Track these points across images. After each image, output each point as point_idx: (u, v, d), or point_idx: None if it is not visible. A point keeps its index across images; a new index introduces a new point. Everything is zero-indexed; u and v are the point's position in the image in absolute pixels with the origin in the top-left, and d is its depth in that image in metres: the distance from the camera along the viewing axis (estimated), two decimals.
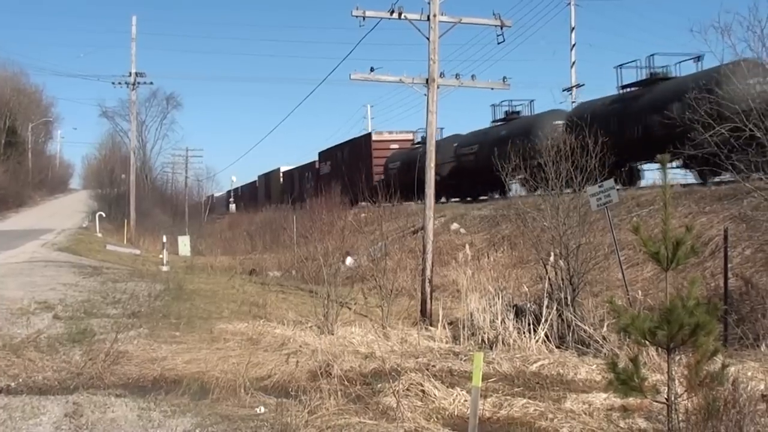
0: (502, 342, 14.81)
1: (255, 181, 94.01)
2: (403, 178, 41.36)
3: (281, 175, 78.25)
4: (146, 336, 15.13)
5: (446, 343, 15.78)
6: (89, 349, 13.50)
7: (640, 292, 15.45)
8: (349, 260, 36.42)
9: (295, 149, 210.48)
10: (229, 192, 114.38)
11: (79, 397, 10.21)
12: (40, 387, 11.56)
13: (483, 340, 15.25)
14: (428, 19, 20.00)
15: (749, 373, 10.63)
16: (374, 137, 53.73)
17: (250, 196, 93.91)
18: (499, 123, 39.25)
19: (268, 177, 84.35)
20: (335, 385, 10.82)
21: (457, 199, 41.65)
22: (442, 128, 43.36)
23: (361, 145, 55.28)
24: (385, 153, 51.00)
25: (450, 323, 17.00)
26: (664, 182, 6.88)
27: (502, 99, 39.36)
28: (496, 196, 36.96)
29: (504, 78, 22.00)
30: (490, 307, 15.88)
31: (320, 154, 64.88)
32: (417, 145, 44.96)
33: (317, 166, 65.17)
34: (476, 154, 37.62)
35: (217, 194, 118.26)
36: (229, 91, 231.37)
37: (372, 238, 29.19)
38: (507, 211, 25.80)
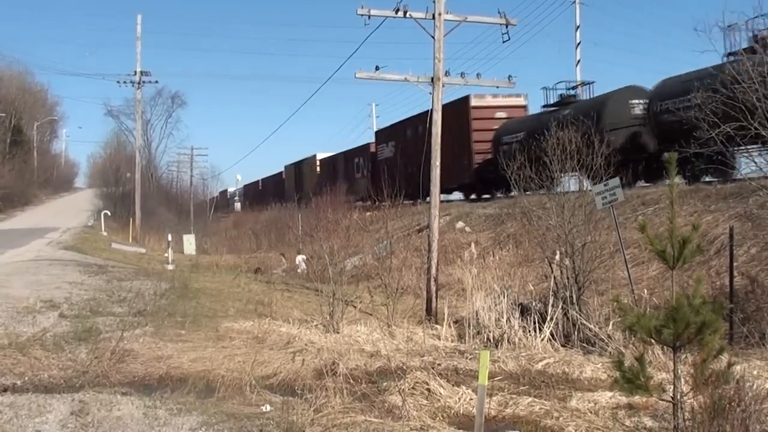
0: (508, 340, 14.82)
1: (280, 173, 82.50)
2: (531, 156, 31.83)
3: (317, 163, 67.32)
4: (152, 334, 15.15)
5: (452, 341, 15.79)
6: (95, 348, 13.52)
7: (645, 291, 15.44)
8: (299, 259, 36.40)
9: (300, 148, 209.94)
10: (245, 186, 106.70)
11: (85, 395, 10.22)
12: (46, 385, 11.57)
13: (488, 339, 15.26)
14: (433, 17, 20.00)
15: (755, 372, 10.62)
16: (474, 101, 39.74)
17: (275, 189, 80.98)
18: (552, 108, 34.53)
19: (299, 167, 73.58)
20: (341, 384, 10.83)
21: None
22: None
23: (452, 115, 38.46)
24: (490, 124, 38.69)
25: (455, 322, 17.01)
26: (671, 181, 6.87)
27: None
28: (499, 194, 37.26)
29: (509, 77, 22.00)
30: (496, 305, 15.89)
31: (378, 133, 55.08)
32: (552, 108, 34.54)
33: (373, 149, 54.23)
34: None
35: (231, 189, 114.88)
36: (234, 90, 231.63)
37: (377, 236, 29.19)
38: (512, 210, 25.78)
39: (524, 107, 39.50)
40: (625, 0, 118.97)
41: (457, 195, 44.04)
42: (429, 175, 21.04)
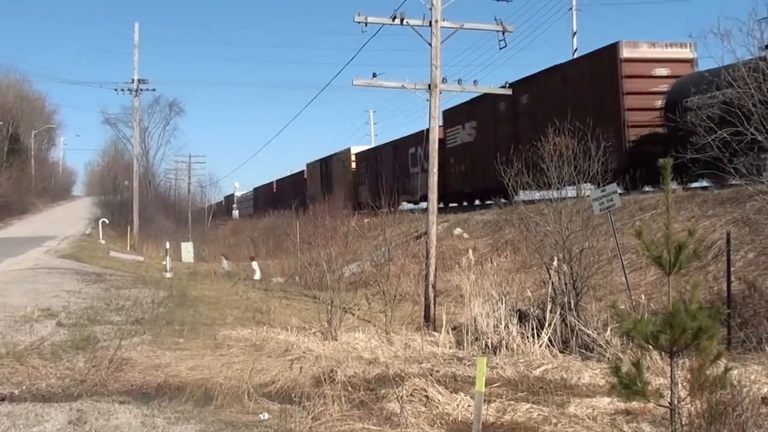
0: (506, 347, 14.82)
1: (301, 172, 73.49)
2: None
3: (352, 157, 57.47)
4: (150, 343, 15.14)
5: (450, 348, 15.79)
6: (93, 356, 13.50)
7: (643, 296, 15.47)
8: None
9: (298, 156, 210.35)
10: (255, 189, 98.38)
11: (82, 404, 10.22)
12: (43, 394, 11.56)
13: (486, 345, 15.25)
14: (430, 24, 20.03)
15: (752, 377, 10.62)
16: (626, 51, 27.40)
17: (294, 190, 68.71)
18: None
19: (327, 163, 63.86)
20: (339, 391, 10.83)
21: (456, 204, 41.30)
22: None
23: (585, 73, 29.55)
24: (647, 84, 27.15)
25: (453, 328, 17.01)
26: (666, 186, 6.88)
27: None
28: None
29: (506, 83, 22.07)
30: (494, 311, 15.88)
31: (449, 114, 40.74)
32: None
33: (443, 134, 39.09)
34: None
35: (239, 194, 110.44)
36: (232, 98, 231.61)
37: (375, 243, 29.18)
38: (510, 216, 25.80)
39: (691, 61, 27.67)
40: (621, 7, 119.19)
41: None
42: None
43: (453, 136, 40.23)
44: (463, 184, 39.50)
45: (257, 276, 34.57)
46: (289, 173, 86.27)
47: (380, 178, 48.18)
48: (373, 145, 61.36)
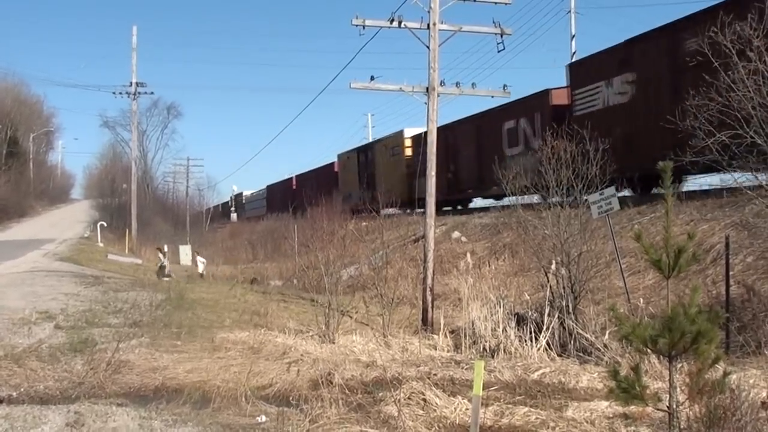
0: (504, 350, 14.81)
1: (330, 165, 63.66)
2: None
3: (407, 142, 45.28)
4: (147, 345, 15.12)
5: (447, 351, 15.77)
6: (91, 359, 13.49)
7: (641, 300, 15.44)
8: (199, 260, 35.75)
9: (296, 158, 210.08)
10: (268, 187, 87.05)
11: (80, 406, 10.20)
12: (41, 396, 11.54)
13: (484, 349, 15.23)
14: (428, 27, 20.03)
15: (751, 381, 10.60)
16: None
17: (320, 185, 53.79)
18: None
19: (367, 152, 53.22)
20: (336, 394, 10.82)
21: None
22: None
23: None
24: None
25: (451, 332, 17.00)
26: (666, 190, 6.87)
27: None
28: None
29: (504, 86, 22.04)
30: (492, 315, 15.87)
31: (578, 67, 29.97)
32: None
33: (569, 98, 29.22)
34: None
35: (248, 192, 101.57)
36: (230, 101, 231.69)
37: (373, 246, 29.18)
38: (508, 219, 25.79)
39: None
40: (620, 9, 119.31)
41: None
42: None
43: (590, 98, 27.73)
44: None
45: (201, 269, 33.89)
46: (306, 169, 76.55)
47: (452, 165, 38.69)
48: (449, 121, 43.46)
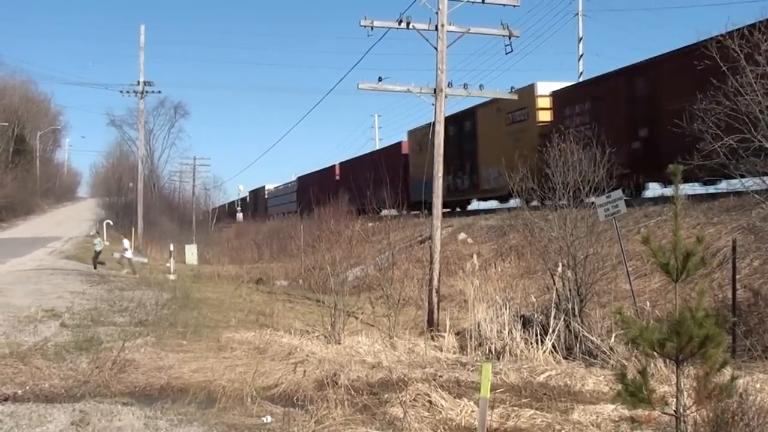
0: (510, 352, 14.79)
1: (394, 145, 51.44)
2: None
3: (541, 102, 32.29)
4: (153, 344, 15.14)
5: (453, 353, 15.75)
6: (96, 357, 13.50)
7: (648, 303, 15.42)
8: (126, 246, 34.16)
9: (303, 158, 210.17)
10: (299, 179, 75.06)
11: (85, 405, 10.21)
12: (46, 395, 11.55)
13: (490, 351, 15.22)
14: (436, 29, 20.00)
15: (758, 385, 10.58)
16: None
17: (377, 174, 39.64)
18: None
19: (463, 121, 38.83)
20: (342, 395, 10.82)
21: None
22: None
23: None
24: None
25: (457, 333, 16.98)
26: (675, 193, 6.85)
27: None
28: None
29: (512, 88, 22.04)
30: (498, 317, 15.85)
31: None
32: None
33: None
34: None
35: (270, 186, 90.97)
36: (237, 101, 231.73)
37: (379, 247, 29.17)
38: (514, 221, 25.76)
39: None
40: (627, 12, 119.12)
41: None
42: None
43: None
44: None
45: (129, 255, 32.73)
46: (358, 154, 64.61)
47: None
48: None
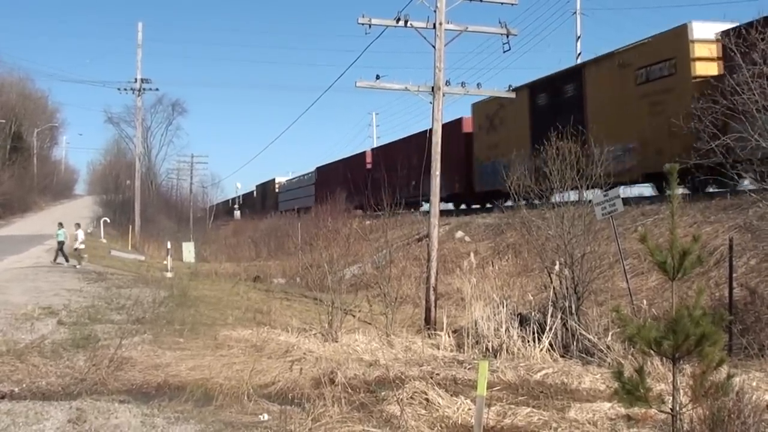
0: (507, 350, 14.80)
1: (452, 124, 38.85)
2: None
3: (696, 49, 23.42)
4: (150, 342, 15.12)
5: (450, 351, 15.77)
6: (93, 355, 13.49)
7: (644, 302, 15.44)
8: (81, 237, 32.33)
9: (300, 157, 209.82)
10: (318, 170, 66.67)
11: (82, 402, 10.20)
12: (43, 392, 11.54)
13: (487, 349, 15.23)
14: (434, 27, 20.02)
15: (754, 383, 10.60)
16: None
17: (417, 156, 36.55)
18: None
19: (563, 84, 31.02)
20: (339, 393, 10.81)
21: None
22: None
23: None
24: None
25: (454, 331, 16.99)
26: (672, 192, 6.85)
27: None
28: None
29: (509, 86, 22.07)
30: (495, 315, 15.87)
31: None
32: None
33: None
34: None
35: (281, 179, 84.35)
36: (235, 98, 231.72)
37: (377, 245, 29.18)
38: (512, 220, 25.77)
39: None
40: (625, 11, 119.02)
41: None
42: None
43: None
44: None
45: (80, 242, 31.44)
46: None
47: None
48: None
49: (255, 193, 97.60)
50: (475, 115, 38.59)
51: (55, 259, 30.72)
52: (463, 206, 39.90)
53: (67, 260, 30.29)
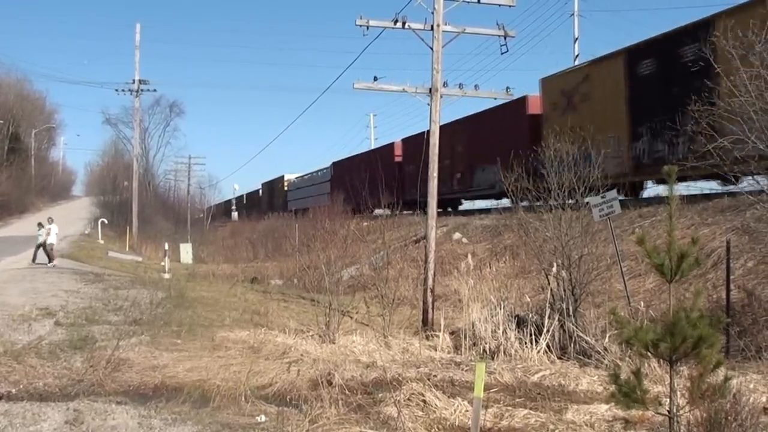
0: (504, 352, 14.79)
1: (512, 104, 31.02)
2: None
3: None
4: (147, 343, 15.12)
5: (448, 352, 15.77)
6: (90, 356, 13.49)
7: (642, 303, 15.43)
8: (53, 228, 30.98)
9: (297, 158, 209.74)
10: (334, 165, 61.32)
11: (79, 404, 10.20)
12: (40, 393, 11.54)
13: (484, 350, 15.22)
14: (432, 28, 20.03)
15: (751, 386, 10.60)
16: None
17: (467, 141, 36.55)
18: None
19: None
20: (336, 395, 10.81)
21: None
22: None
23: None
24: None
25: (452, 333, 17.00)
26: (670, 194, 6.85)
27: None
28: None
29: (507, 88, 22.07)
30: (492, 317, 15.86)
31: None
32: None
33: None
34: None
35: (291, 176, 77.72)
36: (232, 100, 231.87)
37: (374, 246, 29.18)
38: (509, 221, 25.75)
39: None
40: (623, 13, 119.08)
41: None
42: None
43: None
44: None
45: (53, 240, 30.53)
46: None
47: None
48: None
49: (261, 191, 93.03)
50: (546, 92, 30.91)
51: (33, 260, 30.22)
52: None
53: (50, 260, 29.92)
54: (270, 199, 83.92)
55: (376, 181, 31.42)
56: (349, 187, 42.38)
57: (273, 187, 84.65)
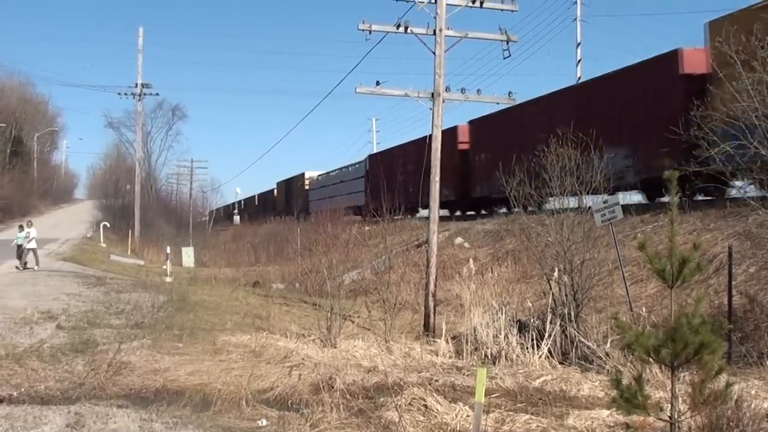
0: (505, 357, 14.78)
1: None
2: None
3: None
4: (149, 347, 15.11)
5: (449, 357, 15.75)
6: (92, 360, 13.48)
7: (644, 309, 15.42)
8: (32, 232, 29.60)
9: (300, 163, 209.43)
10: (370, 157, 54.20)
11: (81, 407, 10.19)
12: (42, 397, 11.54)
13: (486, 355, 15.22)
14: (434, 33, 20.03)
15: (753, 392, 10.58)
16: None
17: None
18: None
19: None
20: (337, 399, 10.81)
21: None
22: None
23: None
24: None
25: (453, 338, 16.97)
26: (672, 199, 6.85)
27: None
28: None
29: (509, 93, 22.06)
30: (494, 321, 15.85)
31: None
32: None
33: None
34: None
35: (312, 174, 69.11)
36: (235, 104, 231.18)
37: (376, 251, 29.17)
38: (511, 226, 25.75)
39: None
40: (625, 18, 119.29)
41: None
42: None
43: None
44: None
45: (33, 244, 30.06)
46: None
47: None
48: None
49: (276, 191, 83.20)
50: (712, 46, 19.97)
51: (24, 264, 29.42)
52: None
53: (37, 263, 29.47)
54: (287, 201, 74.51)
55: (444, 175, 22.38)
56: (388, 183, 34.17)
57: (291, 186, 75.41)
